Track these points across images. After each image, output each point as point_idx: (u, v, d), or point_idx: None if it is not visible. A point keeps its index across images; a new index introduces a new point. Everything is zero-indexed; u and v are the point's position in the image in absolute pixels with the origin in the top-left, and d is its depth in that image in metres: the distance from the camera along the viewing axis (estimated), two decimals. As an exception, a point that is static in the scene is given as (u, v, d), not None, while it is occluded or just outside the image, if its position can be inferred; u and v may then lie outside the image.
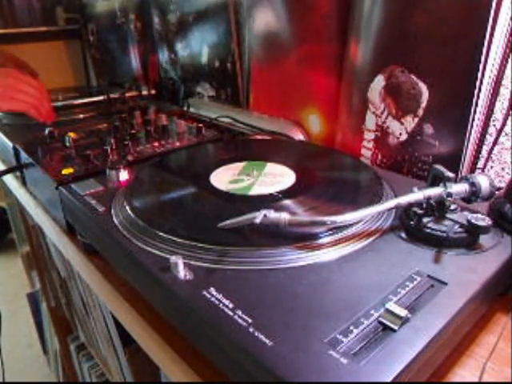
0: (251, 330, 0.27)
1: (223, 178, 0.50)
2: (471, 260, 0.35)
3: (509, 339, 0.34)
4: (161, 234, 0.38)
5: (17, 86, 0.67)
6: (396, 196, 0.39)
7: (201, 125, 0.73)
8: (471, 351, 0.33)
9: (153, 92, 1.12)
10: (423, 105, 0.53)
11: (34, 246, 1.13)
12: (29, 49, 1.42)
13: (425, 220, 0.38)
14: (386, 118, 0.58)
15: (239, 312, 0.29)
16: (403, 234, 0.38)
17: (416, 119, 0.55)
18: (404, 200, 0.37)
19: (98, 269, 0.48)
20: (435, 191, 0.37)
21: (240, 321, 0.28)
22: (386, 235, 0.39)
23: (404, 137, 0.57)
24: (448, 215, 0.38)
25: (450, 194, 0.36)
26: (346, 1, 0.60)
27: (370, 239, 0.38)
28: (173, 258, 0.33)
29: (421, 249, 0.36)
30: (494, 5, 0.44)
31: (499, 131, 0.48)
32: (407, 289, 0.31)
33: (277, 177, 0.50)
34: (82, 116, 0.91)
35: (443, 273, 0.33)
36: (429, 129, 0.54)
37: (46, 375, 1.49)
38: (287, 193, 0.46)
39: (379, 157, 0.61)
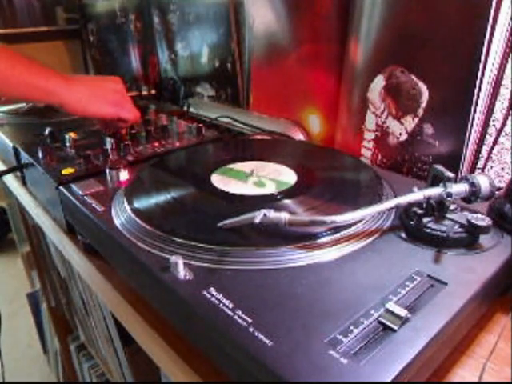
0: (251, 329, 0.27)
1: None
2: (471, 260, 0.35)
3: (509, 339, 0.34)
4: (161, 233, 0.38)
5: (124, 96, 0.68)
6: (396, 196, 0.39)
7: (201, 125, 0.73)
8: (471, 351, 0.33)
9: (153, 92, 1.12)
10: (423, 105, 0.53)
11: (34, 245, 1.13)
12: (29, 49, 1.42)
13: (425, 220, 0.38)
14: (386, 118, 0.58)
15: (239, 312, 0.29)
16: (403, 234, 0.38)
17: (416, 119, 0.55)
18: (404, 200, 0.37)
19: (98, 269, 0.48)
20: (435, 191, 0.37)
21: (240, 321, 0.28)
22: (385, 235, 0.39)
23: (404, 137, 0.57)
24: (448, 215, 0.38)
25: (449, 194, 0.36)
26: (346, 1, 0.60)
27: (370, 239, 0.38)
28: (173, 258, 0.33)
29: (421, 249, 0.36)
30: (493, 5, 0.44)
31: (499, 131, 0.48)
32: (407, 289, 0.31)
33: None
34: (82, 116, 0.90)
35: (443, 273, 0.33)
36: (429, 129, 0.54)
37: (46, 375, 1.49)
38: (287, 193, 0.46)
39: (379, 157, 0.61)
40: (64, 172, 0.56)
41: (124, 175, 0.52)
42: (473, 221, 0.35)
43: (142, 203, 0.44)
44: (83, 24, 1.42)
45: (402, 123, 0.57)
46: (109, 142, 0.64)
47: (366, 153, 0.63)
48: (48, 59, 1.45)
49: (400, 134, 0.57)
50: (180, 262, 0.33)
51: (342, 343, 0.26)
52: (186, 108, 0.95)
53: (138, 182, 0.51)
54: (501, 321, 0.36)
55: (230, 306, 0.29)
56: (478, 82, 0.47)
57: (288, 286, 0.31)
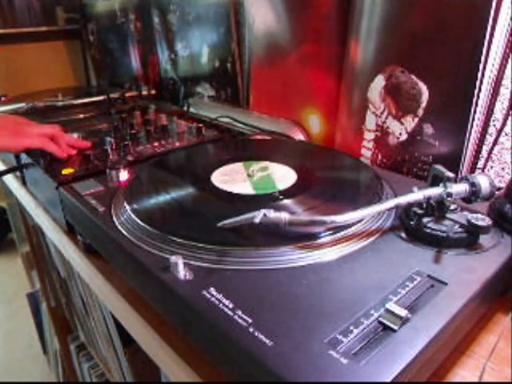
0: (251, 329, 0.27)
1: (223, 178, 0.50)
2: (471, 260, 0.35)
3: (509, 339, 0.34)
4: (161, 234, 0.38)
5: (29, 124, 0.63)
6: (396, 196, 0.39)
7: (201, 125, 0.73)
8: (471, 351, 0.33)
9: (153, 92, 1.12)
10: (423, 105, 0.53)
11: (34, 245, 1.13)
12: (29, 49, 1.42)
13: (425, 220, 0.38)
14: (386, 118, 0.58)
15: (239, 312, 0.29)
16: (403, 234, 0.38)
17: (416, 119, 0.55)
18: (404, 200, 0.37)
19: (98, 269, 0.48)
20: (435, 191, 0.37)
21: (240, 321, 0.28)
22: (385, 235, 0.39)
23: (404, 137, 0.57)
24: (448, 215, 0.38)
25: (449, 194, 0.36)
26: (346, 1, 0.60)
27: (370, 239, 0.38)
28: (173, 258, 0.33)
29: (421, 249, 0.36)
30: (493, 5, 0.44)
31: (499, 131, 0.48)
32: (407, 289, 0.31)
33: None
34: (81, 116, 0.91)
35: (443, 273, 0.33)
36: (429, 129, 0.54)
37: (46, 375, 1.49)
38: (287, 192, 0.46)
39: (379, 157, 0.61)
40: (64, 172, 0.56)
41: (124, 175, 0.52)
42: (473, 221, 0.35)
43: (141, 203, 0.44)
44: (83, 24, 1.42)
45: (402, 123, 0.57)
46: (109, 142, 0.64)
47: (366, 153, 0.63)
48: (48, 59, 1.46)
49: (400, 134, 0.57)
50: (180, 262, 0.33)
51: (342, 343, 0.26)
52: (186, 108, 0.95)
53: (138, 182, 0.51)
54: (501, 321, 0.36)
55: (230, 305, 0.29)
56: (477, 82, 0.47)
57: (288, 286, 0.31)
